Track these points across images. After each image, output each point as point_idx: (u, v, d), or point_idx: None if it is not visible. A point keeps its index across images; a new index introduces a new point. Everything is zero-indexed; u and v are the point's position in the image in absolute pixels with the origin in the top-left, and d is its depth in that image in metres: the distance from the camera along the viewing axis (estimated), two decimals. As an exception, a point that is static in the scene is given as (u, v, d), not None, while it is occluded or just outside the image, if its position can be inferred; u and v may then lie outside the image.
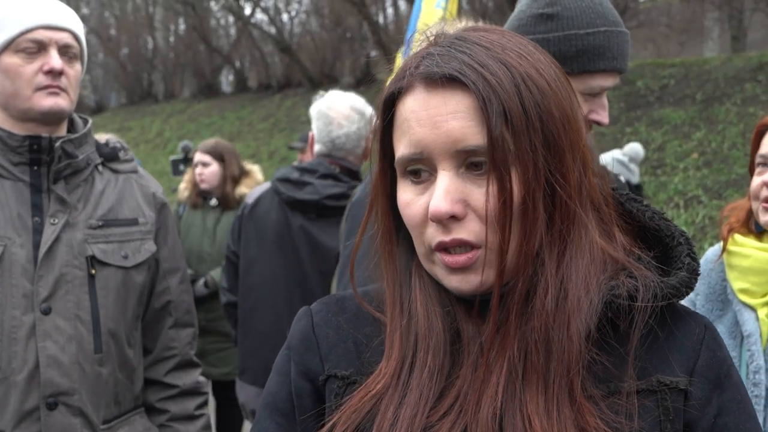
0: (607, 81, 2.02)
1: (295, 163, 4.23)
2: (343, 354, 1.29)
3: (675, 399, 1.16)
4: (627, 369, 1.16)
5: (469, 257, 1.15)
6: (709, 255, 2.54)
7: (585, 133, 1.22)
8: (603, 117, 2.06)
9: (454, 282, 1.17)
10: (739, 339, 2.35)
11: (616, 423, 1.12)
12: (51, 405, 2.26)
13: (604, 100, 2.08)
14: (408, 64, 1.20)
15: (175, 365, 2.62)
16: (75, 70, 2.40)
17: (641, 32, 21.53)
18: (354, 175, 3.88)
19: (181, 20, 28.31)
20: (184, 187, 5.63)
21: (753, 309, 2.35)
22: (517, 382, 1.13)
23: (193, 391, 2.66)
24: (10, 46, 2.32)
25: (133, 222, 2.49)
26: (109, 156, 2.55)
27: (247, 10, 25.64)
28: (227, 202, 5.34)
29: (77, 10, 28.52)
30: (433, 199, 1.13)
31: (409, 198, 1.19)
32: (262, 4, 24.69)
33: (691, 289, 1.22)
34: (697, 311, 1.59)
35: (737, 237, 2.43)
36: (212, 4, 27.40)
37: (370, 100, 4.36)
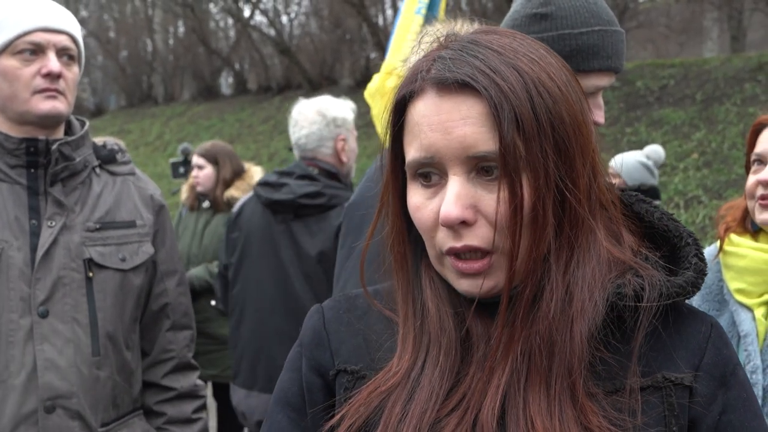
0: (603, 80, 2.02)
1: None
2: (353, 349, 1.31)
3: (680, 395, 1.17)
4: (631, 366, 1.17)
5: (483, 264, 1.16)
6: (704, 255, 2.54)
7: (595, 136, 1.23)
8: (599, 117, 2.06)
9: (465, 285, 1.19)
10: (735, 339, 2.34)
11: (620, 420, 1.13)
12: (49, 408, 2.26)
13: (600, 100, 2.08)
14: (419, 67, 1.20)
15: (172, 368, 2.62)
16: (73, 73, 2.40)
17: (641, 33, 21.53)
18: (333, 176, 3.95)
19: (180, 22, 28.29)
20: (184, 189, 5.69)
21: (749, 309, 2.34)
22: (520, 383, 1.14)
23: (191, 394, 2.66)
24: (8, 48, 2.31)
25: (131, 224, 2.49)
26: (107, 158, 2.55)
27: (246, 12, 25.63)
28: (218, 205, 5.38)
29: (76, 12, 28.51)
30: (444, 205, 1.14)
31: (419, 202, 1.20)
32: (261, 6, 24.70)
33: (698, 288, 1.23)
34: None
35: (733, 237, 2.43)
36: (211, 6, 27.39)
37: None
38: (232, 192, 5.29)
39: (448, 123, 1.13)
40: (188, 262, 5.29)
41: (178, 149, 7.18)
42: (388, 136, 1.26)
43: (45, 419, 2.26)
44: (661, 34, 22.60)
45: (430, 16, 5.78)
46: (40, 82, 2.32)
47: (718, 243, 2.48)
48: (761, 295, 2.34)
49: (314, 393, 1.31)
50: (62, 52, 2.36)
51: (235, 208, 4.33)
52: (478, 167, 1.14)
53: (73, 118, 2.54)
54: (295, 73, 22.77)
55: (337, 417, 1.22)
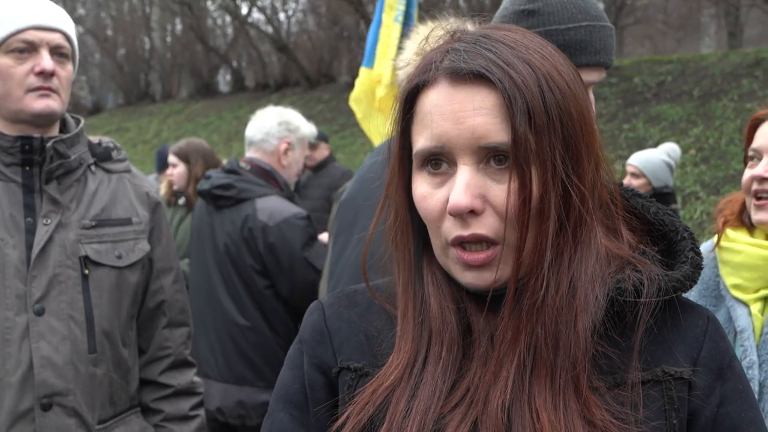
0: (592, 76, 2.02)
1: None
2: (355, 346, 1.31)
3: (679, 389, 1.19)
4: (632, 361, 1.19)
5: (488, 255, 1.17)
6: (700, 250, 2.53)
7: (598, 133, 1.24)
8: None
9: (469, 278, 1.20)
10: (732, 335, 2.34)
11: (622, 414, 1.14)
12: (45, 406, 2.26)
13: (591, 96, 2.08)
14: (432, 58, 1.22)
15: (169, 365, 2.62)
16: (66, 71, 2.40)
17: (638, 29, 21.55)
18: (266, 174, 4.08)
19: (177, 20, 28.26)
20: (162, 186, 5.81)
21: (746, 304, 2.34)
22: (525, 376, 1.15)
23: (188, 391, 2.66)
24: (1, 47, 2.31)
25: (127, 222, 2.49)
26: (102, 156, 2.54)
27: (244, 10, 25.63)
28: (190, 202, 5.45)
29: (73, 10, 28.51)
30: (453, 193, 1.15)
31: (426, 191, 1.20)
32: (259, 3, 24.68)
33: (695, 282, 1.25)
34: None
35: (729, 232, 2.43)
36: (209, 3, 27.36)
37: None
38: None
39: (460, 113, 1.15)
40: None
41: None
42: (395, 127, 1.27)
43: (41, 417, 2.26)
44: (658, 30, 22.61)
45: (405, 26, 5.81)
46: (33, 81, 2.31)
47: (716, 237, 2.48)
48: (757, 290, 2.34)
49: (317, 390, 1.31)
50: (55, 50, 2.35)
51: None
52: (488, 158, 1.16)
53: (68, 115, 2.53)
54: (293, 70, 22.76)
55: (343, 417, 1.23)
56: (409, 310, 1.27)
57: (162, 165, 6.81)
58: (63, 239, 2.34)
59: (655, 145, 11.74)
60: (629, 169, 6.12)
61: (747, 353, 2.27)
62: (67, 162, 2.38)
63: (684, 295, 1.28)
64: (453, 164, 1.18)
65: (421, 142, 1.19)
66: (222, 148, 18.30)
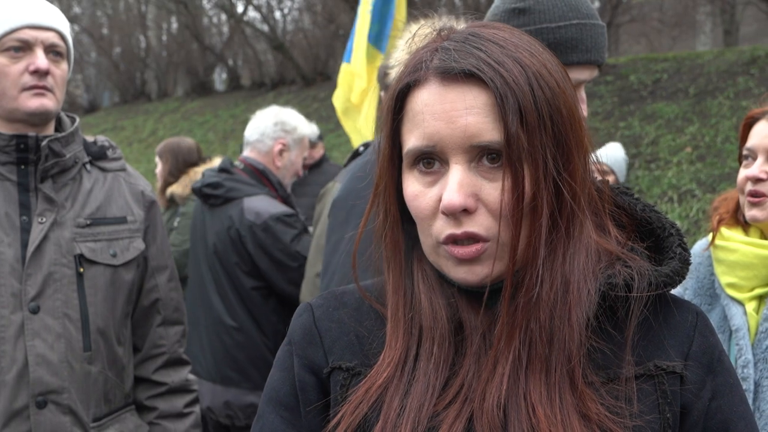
0: (583, 74, 2.03)
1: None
2: (346, 346, 1.31)
3: (672, 383, 1.20)
4: (625, 355, 1.20)
5: (478, 248, 1.17)
6: (695, 248, 2.54)
7: (587, 130, 1.25)
8: (582, 110, 2.06)
9: (461, 273, 1.20)
10: (727, 333, 2.35)
11: (617, 408, 1.15)
12: (40, 404, 2.26)
13: (582, 94, 2.08)
14: (421, 57, 1.22)
15: (163, 363, 2.63)
16: (61, 70, 2.40)
17: (634, 27, 21.53)
18: (259, 174, 4.07)
19: (173, 19, 28.18)
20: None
21: (741, 303, 2.35)
22: (521, 372, 1.16)
23: (182, 389, 2.67)
24: None
25: (122, 220, 2.49)
26: (97, 154, 2.55)
27: (240, 8, 25.57)
28: (163, 202, 5.40)
29: (69, 9, 28.44)
30: (446, 192, 1.15)
31: (417, 190, 1.21)
32: (255, 1, 24.62)
33: (683, 277, 1.26)
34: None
35: (724, 231, 2.43)
36: (204, 2, 27.31)
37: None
38: (173, 188, 5.26)
39: (452, 112, 1.15)
40: None
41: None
42: (384, 126, 1.27)
43: (36, 414, 2.26)
44: (654, 28, 22.60)
45: (381, 22, 5.80)
46: (27, 80, 2.31)
47: (710, 236, 2.49)
48: (752, 289, 2.34)
49: (308, 392, 1.31)
50: (50, 49, 2.36)
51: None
52: (480, 157, 1.16)
53: (63, 114, 2.53)
54: (289, 68, 22.70)
55: (337, 417, 1.23)
56: (399, 307, 1.27)
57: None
58: (58, 237, 2.34)
59: (651, 143, 11.75)
60: (595, 167, 6.01)
61: (742, 352, 2.28)
62: (63, 161, 2.38)
63: (680, 293, 1.28)
64: (445, 163, 1.18)
65: (412, 141, 1.20)
66: (218, 146, 18.27)
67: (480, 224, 1.16)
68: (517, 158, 1.13)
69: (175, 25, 28.70)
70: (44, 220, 2.33)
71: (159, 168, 5.51)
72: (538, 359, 1.16)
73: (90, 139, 2.61)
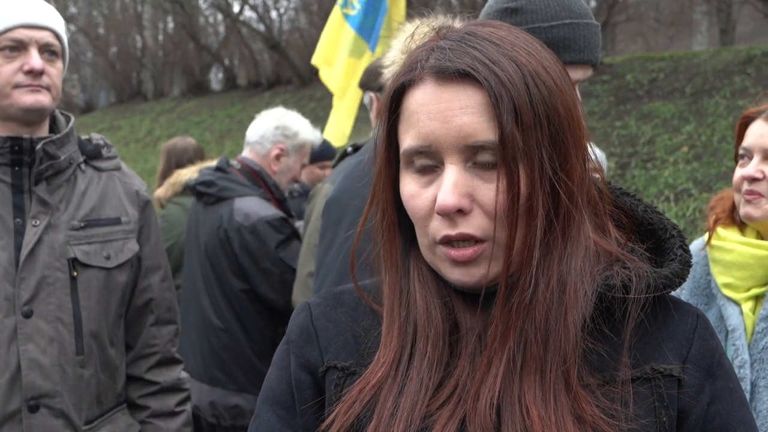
0: (577, 73, 2.02)
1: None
2: (342, 346, 1.31)
3: (669, 386, 1.19)
4: (621, 358, 1.19)
5: (475, 250, 1.17)
6: (691, 248, 2.54)
7: (586, 130, 1.24)
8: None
9: (457, 275, 1.19)
10: (723, 334, 2.34)
11: (612, 410, 1.14)
12: (33, 407, 2.26)
13: (577, 94, 2.07)
14: (416, 57, 1.21)
15: (156, 362, 2.62)
16: (56, 69, 2.39)
17: (630, 26, 21.54)
18: (256, 175, 4.04)
19: (169, 18, 28.14)
20: None
21: (737, 303, 2.34)
22: (515, 373, 1.15)
23: (174, 388, 2.66)
24: None
25: (116, 221, 2.48)
26: (92, 153, 2.53)
27: (236, 8, 25.55)
28: (157, 202, 5.33)
29: (65, 9, 28.40)
30: (440, 193, 1.15)
31: (413, 190, 1.20)
32: (251, 1, 24.60)
33: (684, 279, 1.25)
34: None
35: (720, 231, 2.43)
36: (200, 2, 27.28)
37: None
38: (158, 191, 5.18)
39: (447, 112, 1.15)
40: None
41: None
42: (382, 125, 1.26)
43: (29, 418, 2.25)
44: (650, 27, 22.62)
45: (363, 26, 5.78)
46: (22, 79, 2.30)
47: (706, 235, 2.48)
48: (748, 289, 2.34)
49: (303, 390, 1.31)
50: (45, 48, 2.34)
51: None
52: (475, 157, 1.15)
53: (58, 113, 2.52)
54: (285, 68, 22.69)
55: (331, 417, 1.23)
56: (394, 307, 1.27)
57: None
58: (52, 241, 2.33)
59: (648, 142, 11.75)
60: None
61: (738, 352, 2.27)
62: (57, 163, 2.37)
63: (675, 293, 1.27)
64: (440, 163, 1.17)
65: (408, 141, 1.19)
66: (214, 146, 18.25)
67: (475, 225, 1.16)
68: (512, 158, 1.13)
69: (171, 25, 28.68)
70: (38, 222, 2.32)
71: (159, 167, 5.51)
72: (533, 360, 1.15)
73: (85, 137, 2.60)
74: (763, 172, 2.29)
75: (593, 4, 16.93)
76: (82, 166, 2.49)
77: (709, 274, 2.45)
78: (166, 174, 5.26)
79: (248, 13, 25.86)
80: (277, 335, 3.88)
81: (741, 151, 2.38)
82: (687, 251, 1.28)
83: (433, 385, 1.19)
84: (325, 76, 6.26)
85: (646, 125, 12.43)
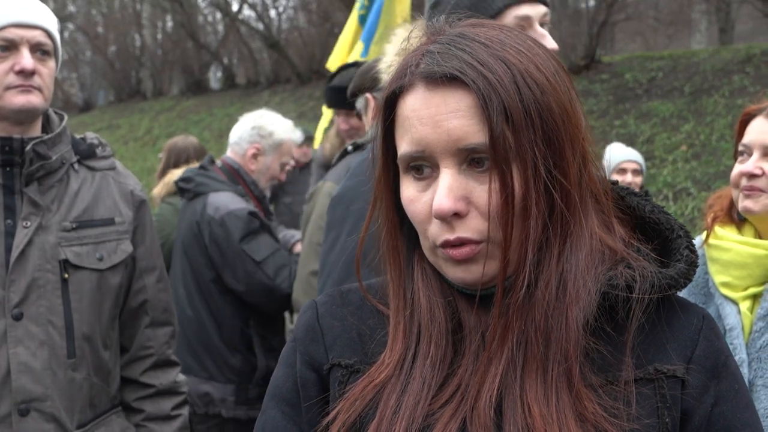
0: (533, 10, 2.11)
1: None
2: (347, 344, 1.32)
3: (672, 387, 1.18)
4: (624, 357, 1.18)
5: (472, 248, 1.17)
6: (692, 247, 2.53)
7: (585, 125, 1.23)
8: (551, 43, 2.11)
9: (458, 273, 1.20)
10: (721, 332, 2.33)
11: (614, 409, 1.14)
12: (23, 411, 2.23)
13: (538, 28, 2.15)
14: (408, 62, 1.22)
15: (151, 364, 2.60)
16: (48, 68, 2.36)
17: (629, 25, 21.57)
18: (234, 172, 4.21)
19: (168, 17, 28.18)
20: None
21: (735, 302, 2.34)
22: (516, 371, 1.15)
23: (170, 391, 2.64)
24: None
25: (110, 222, 2.45)
26: (86, 153, 2.51)
27: (235, 6, 25.58)
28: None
29: (63, 8, 28.43)
30: (436, 197, 1.15)
31: (412, 194, 1.21)
32: (250, 0, 24.64)
33: (689, 280, 1.24)
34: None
35: (717, 230, 2.42)
36: (199, 0, 27.30)
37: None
38: (154, 190, 5.20)
39: (437, 116, 1.15)
40: None
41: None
42: (378, 131, 1.27)
43: (19, 422, 2.23)
44: (649, 26, 22.66)
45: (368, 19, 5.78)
46: (13, 79, 2.27)
47: (704, 234, 2.47)
48: (746, 288, 2.33)
49: (308, 388, 1.32)
50: (36, 48, 2.32)
51: None
52: (469, 159, 1.16)
53: (51, 112, 2.49)
54: (284, 67, 22.71)
55: (333, 413, 1.23)
56: (400, 309, 1.27)
57: None
58: (43, 242, 2.30)
59: (647, 141, 11.75)
60: (631, 166, 5.54)
61: (736, 351, 2.27)
62: (48, 163, 2.35)
63: None
64: (436, 167, 1.18)
65: (403, 146, 1.20)
66: (213, 144, 18.25)
67: (472, 228, 1.16)
68: (504, 159, 1.12)
69: (170, 24, 28.71)
70: (29, 224, 2.29)
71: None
72: (534, 359, 1.15)
73: (79, 136, 2.57)
74: (761, 168, 2.29)
75: (592, 2, 16.94)
76: (76, 165, 2.46)
77: (707, 273, 2.45)
78: (164, 173, 5.26)
79: (247, 11, 25.92)
80: (247, 327, 4.03)
81: (741, 148, 2.38)
82: (693, 252, 1.28)
83: (436, 383, 1.19)
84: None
85: (644, 124, 12.44)
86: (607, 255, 1.23)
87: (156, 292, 2.60)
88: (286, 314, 4.39)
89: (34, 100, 2.30)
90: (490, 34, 1.19)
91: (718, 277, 2.38)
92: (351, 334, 1.33)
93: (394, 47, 2.27)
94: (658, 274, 1.22)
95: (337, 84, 4.31)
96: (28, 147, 2.29)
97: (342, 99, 4.30)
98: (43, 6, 2.39)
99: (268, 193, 4.40)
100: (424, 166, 1.19)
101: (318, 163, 5.04)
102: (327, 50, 22.60)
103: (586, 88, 14.01)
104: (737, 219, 2.44)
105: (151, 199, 5.28)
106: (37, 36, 2.32)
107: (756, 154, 2.32)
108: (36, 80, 2.30)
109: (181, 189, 4.16)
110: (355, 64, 4.52)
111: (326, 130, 5.17)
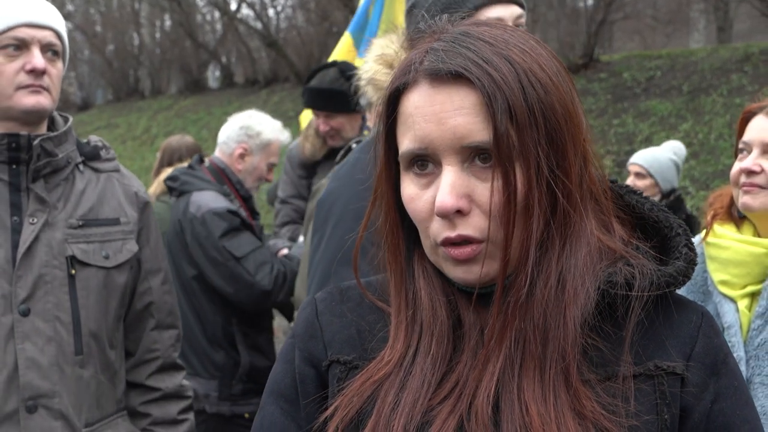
0: (507, 11, 2.10)
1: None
2: (346, 340, 1.32)
3: (672, 384, 1.18)
4: (623, 354, 1.19)
5: (473, 249, 1.17)
6: (692, 246, 2.54)
7: (585, 126, 1.24)
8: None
9: (459, 272, 1.20)
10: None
11: (613, 406, 1.14)
12: (31, 408, 2.23)
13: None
14: (412, 59, 1.22)
15: (157, 368, 2.59)
16: (57, 69, 2.38)
17: (627, 24, 21.55)
18: (221, 172, 4.24)
19: (166, 16, 28.11)
20: None
21: (733, 300, 2.35)
22: (514, 370, 1.16)
23: (177, 395, 2.63)
24: None
25: (115, 222, 2.46)
26: (90, 155, 2.52)
27: (233, 5, 25.54)
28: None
29: (62, 6, 28.33)
30: (438, 195, 1.15)
31: (413, 192, 1.21)
32: (248, -1, 24.61)
33: (688, 278, 1.25)
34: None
35: (716, 228, 2.43)
36: (198, -1, 27.28)
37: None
38: (150, 189, 5.13)
39: (441, 114, 1.15)
40: None
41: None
42: (380, 129, 1.27)
43: (27, 419, 2.22)
44: (647, 25, 22.64)
45: (360, 36, 5.77)
46: (24, 78, 2.29)
47: (703, 232, 2.49)
48: (744, 286, 2.34)
49: (307, 384, 1.32)
50: (46, 48, 2.33)
51: None
52: (472, 157, 1.16)
53: (56, 113, 2.51)
54: (283, 66, 22.67)
55: (331, 408, 1.23)
56: (401, 308, 1.28)
57: None
58: (49, 239, 2.31)
59: (645, 140, 11.76)
60: (633, 168, 5.57)
61: (734, 349, 2.28)
62: (55, 160, 2.36)
63: None
64: (438, 165, 1.18)
65: (405, 144, 1.20)
66: (212, 143, 18.21)
67: (474, 226, 1.16)
68: (508, 158, 1.13)
69: (168, 23, 28.66)
70: (35, 220, 2.30)
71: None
72: (532, 357, 1.15)
73: (83, 139, 2.59)
74: (761, 165, 2.30)
75: (590, 1, 16.93)
76: (81, 166, 2.47)
77: (705, 271, 2.46)
78: (159, 171, 5.27)
79: (245, 10, 25.88)
80: (229, 324, 4.04)
81: (741, 146, 2.39)
82: (692, 250, 1.28)
83: (435, 380, 1.19)
84: None
85: (643, 123, 12.45)
86: (606, 254, 1.24)
87: (161, 294, 2.59)
88: (275, 311, 4.41)
89: (44, 101, 2.32)
90: (494, 33, 1.20)
91: (717, 275, 2.39)
92: (350, 330, 1.33)
93: (378, 48, 2.29)
94: (657, 271, 1.22)
95: (315, 85, 4.33)
96: (36, 142, 2.30)
97: (321, 100, 4.34)
98: (53, 7, 2.41)
99: (254, 193, 4.43)
100: (426, 163, 1.19)
101: (295, 163, 4.93)
102: (325, 49, 22.58)
103: (585, 87, 14.01)
104: (737, 217, 2.45)
105: None
106: (48, 36, 2.33)
107: (755, 152, 2.33)
108: (45, 80, 2.31)
109: (169, 188, 4.21)
110: (334, 64, 4.56)
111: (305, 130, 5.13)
